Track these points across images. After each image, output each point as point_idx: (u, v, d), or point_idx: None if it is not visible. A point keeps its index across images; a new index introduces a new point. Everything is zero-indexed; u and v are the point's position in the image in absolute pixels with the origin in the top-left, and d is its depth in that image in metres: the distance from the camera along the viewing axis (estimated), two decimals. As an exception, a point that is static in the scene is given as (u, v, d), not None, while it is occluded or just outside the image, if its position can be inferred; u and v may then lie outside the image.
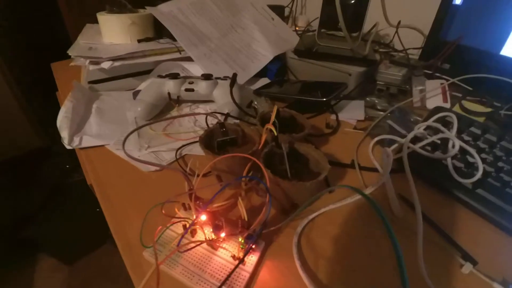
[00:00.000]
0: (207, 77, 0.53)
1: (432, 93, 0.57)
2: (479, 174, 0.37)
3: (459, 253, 0.32)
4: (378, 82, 0.60)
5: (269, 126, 0.33)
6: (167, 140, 0.48)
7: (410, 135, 0.42)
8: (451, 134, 0.41)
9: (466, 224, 0.36)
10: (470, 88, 0.55)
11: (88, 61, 0.56)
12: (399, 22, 0.61)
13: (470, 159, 0.40)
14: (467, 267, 0.30)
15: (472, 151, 0.39)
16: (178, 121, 0.53)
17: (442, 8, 0.55)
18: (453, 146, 0.40)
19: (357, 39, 0.59)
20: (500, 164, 0.39)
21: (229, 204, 0.30)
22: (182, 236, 0.28)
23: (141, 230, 0.34)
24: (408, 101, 0.57)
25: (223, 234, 0.31)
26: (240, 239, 0.30)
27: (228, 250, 0.31)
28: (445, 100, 0.55)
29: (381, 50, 0.67)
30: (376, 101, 0.58)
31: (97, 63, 0.56)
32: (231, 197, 0.36)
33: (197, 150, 0.46)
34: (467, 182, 0.38)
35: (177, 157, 0.45)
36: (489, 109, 0.51)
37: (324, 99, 0.49)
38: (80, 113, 0.52)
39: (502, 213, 0.35)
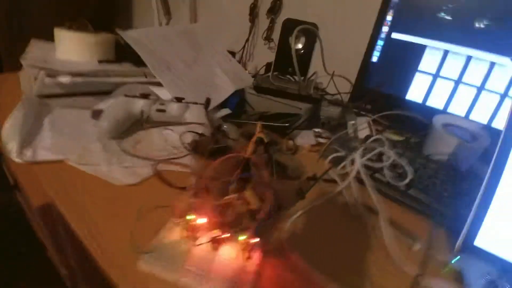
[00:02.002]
0: (179, 99, 0.54)
1: (361, 127, 0.69)
2: (409, 178, 0.47)
3: (408, 237, 0.39)
4: (321, 117, 0.71)
5: (260, 135, 0.36)
6: (137, 158, 0.45)
7: (359, 152, 0.50)
8: (386, 149, 0.51)
9: (403, 217, 0.44)
10: (387, 123, 0.70)
11: (43, 72, 0.50)
12: (333, 72, 0.75)
13: (399, 170, 0.51)
14: (416, 246, 0.37)
15: (402, 161, 0.49)
16: (148, 140, 0.51)
17: (363, 64, 0.71)
18: (388, 158, 0.50)
19: (304, 82, 0.70)
20: (419, 172, 0.51)
21: (235, 198, 0.31)
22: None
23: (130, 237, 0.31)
24: (344, 132, 0.68)
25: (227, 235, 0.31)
26: (240, 237, 0.30)
27: (232, 246, 0.30)
28: (371, 132, 0.68)
29: (319, 93, 0.80)
30: (321, 131, 0.68)
31: (54, 76, 0.51)
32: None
33: (174, 166, 0.45)
34: (401, 184, 0.47)
35: (154, 172, 0.43)
36: (402, 138, 0.65)
37: (287, 125, 0.55)
38: (29, 125, 0.45)
39: (429, 207, 0.45)
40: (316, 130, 0.68)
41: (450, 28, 0.62)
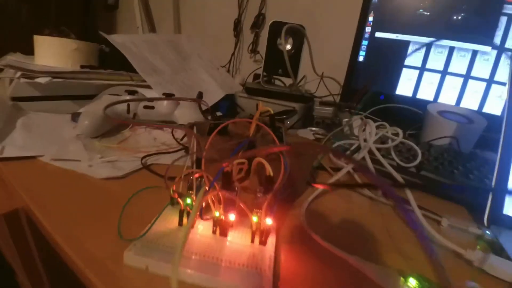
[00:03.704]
0: (169, 95, 0.49)
1: (356, 124, 0.67)
2: (419, 158, 0.43)
3: (433, 214, 0.34)
4: (315, 116, 0.68)
5: (267, 108, 0.32)
6: (123, 154, 0.39)
7: (364, 136, 0.46)
8: (389, 133, 0.48)
9: (419, 198, 0.39)
10: (380, 120, 0.68)
11: (18, 73, 0.45)
12: (322, 73, 0.74)
13: (405, 155, 0.47)
14: (445, 221, 0.33)
15: (411, 143, 0.46)
16: (134, 138, 0.45)
17: (350, 64, 0.71)
18: (393, 140, 0.47)
19: (295, 81, 0.68)
20: (425, 156, 0.47)
21: (247, 165, 0.25)
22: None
23: (119, 223, 0.24)
24: (339, 129, 0.65)
25: (232, 216, 0.25)
26: (254, 218, 0.24)
27: (242, 230, 0.24)
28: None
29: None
30: (317, 130, 0.65)
31: (31, 77, 0.45)
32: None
33: (165, 159, 0.39)
34: (411, 165, 0.43)
35: (143, 165, 0.36)
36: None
37: (284, 117, 0.52)
38: (0, 125, 0.39)
39: (443, 186, 0.41)
40: (312, 129, 0.65)
41: (430, 22, 0.63)
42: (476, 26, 0.59)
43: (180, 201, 0.24)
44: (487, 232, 0.31)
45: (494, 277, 0.25)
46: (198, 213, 0.25)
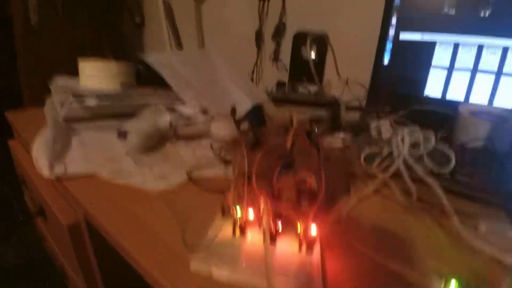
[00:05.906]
0: (204, 111, 0.53)
1: (384, 128, 0.67)
2: (453, 163, 0.44)
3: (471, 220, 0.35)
4: (342, 122, 0.69)
5: (299, 118, 0.34)
6: (169, 166, 0.43)
7: (396, 143, 0.47)
8: (420, 137, 0.49)
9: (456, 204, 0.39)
10: (409, 122, 0.67)
11: (71, 97, 0.50)
12: (347, 78, 0.75)
13: (438, 159, 0.47)
14: (482, 227, 0.33)
15: (444, 148, 0.46)
16: (177, 153, 0.49)
17: (375, 68, 0.71)
18: (426, 144, 0.48)
19: (321, 87, 0.70)
20: (459, 159, 0.47)
21: (290, 176, 0.28)
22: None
23: (183, 234, 0.28)
24: (367, 134, 0.66)
25: (280, 226, 0.27)
26: (299, 228, 0.27)
27: (290, 239, 0.27)
28: (395, 131, 0.66)
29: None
30: (344, 136, 0.66)
31: (81, 100, 0.51)
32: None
33: (208, 172, 0.42)
34: (446, 171, 0.44)
35: (189, 177, 0.40)
36: (429, 134, 0.63)
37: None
38: (59, 144, 0.44)
39: (480, 190, 0.41)
40: (340, 135, 0.66)
41: (456, 21, 0.62)
42: (504, 22, 0.58)
43: (234, 212, 0.27)
44: (530, 237, 0.31)
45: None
46: (249, 223, 0.28)
